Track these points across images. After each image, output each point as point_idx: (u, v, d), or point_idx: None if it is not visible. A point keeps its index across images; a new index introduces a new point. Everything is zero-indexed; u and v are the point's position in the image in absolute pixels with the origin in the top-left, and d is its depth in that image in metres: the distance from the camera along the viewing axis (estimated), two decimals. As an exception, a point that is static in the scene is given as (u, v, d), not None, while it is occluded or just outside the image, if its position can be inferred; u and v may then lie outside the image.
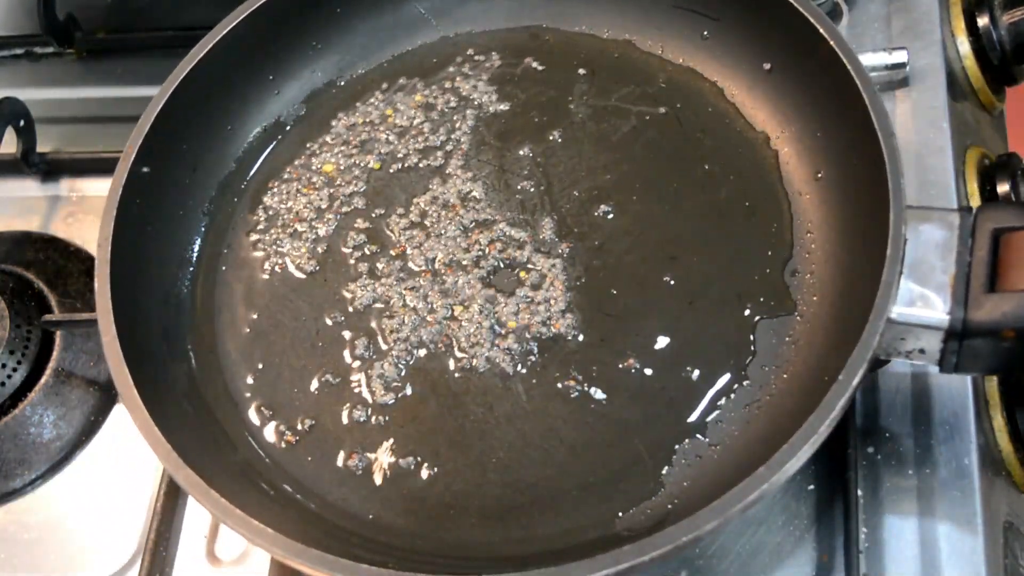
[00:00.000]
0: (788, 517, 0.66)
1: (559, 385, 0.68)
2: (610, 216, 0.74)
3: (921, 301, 0.57)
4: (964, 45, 0.83)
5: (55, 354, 0.80)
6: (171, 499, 0.73)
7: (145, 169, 0.73)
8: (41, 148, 0.93)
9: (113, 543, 0.75)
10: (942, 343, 0.58)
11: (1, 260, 0.86)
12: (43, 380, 0.79)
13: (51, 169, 0.93)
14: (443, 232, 0.75)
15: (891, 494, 0.65)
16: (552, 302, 0.71)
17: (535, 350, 0.69)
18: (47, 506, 0.78)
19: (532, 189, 0.76)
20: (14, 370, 0.79)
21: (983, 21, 0.82)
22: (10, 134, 0.90)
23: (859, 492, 0.64)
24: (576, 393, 0.67)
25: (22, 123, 0.91)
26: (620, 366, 0.67)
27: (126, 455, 0.78)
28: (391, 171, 0.80)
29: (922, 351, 0.59)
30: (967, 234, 0.58)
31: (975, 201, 0.76)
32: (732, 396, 0.65)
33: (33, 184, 0.93)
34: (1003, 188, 0.76)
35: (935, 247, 0.58)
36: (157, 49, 1.01)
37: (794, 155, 0.73)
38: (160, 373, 0.69)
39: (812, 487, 0.66)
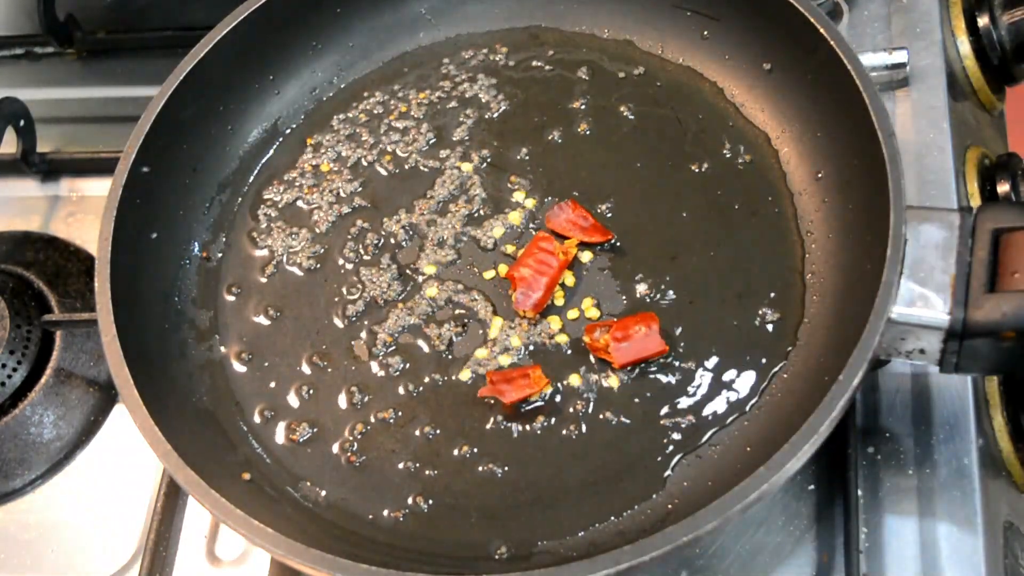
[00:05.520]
0: (788, 517, 0.66)
1: (560, 385, 0.68)
2: (610, 215, 0.74)
3: (921, 301, 0.57)
4: (964, 45, 0.83)
5: (55, 354, 0.80)
6: (171, 499, 0.73)
7: (145, 169, 0.73)
8: (41, 148, 0.93)
9: (113, 543, 0.75)
10: (942, 343, 0.58)
11: (1, 260, 0.86)
12: (43, 380, 0.79)
13: (51, 169, 0.93)
14: (443, 232, 0.75)
15: (891, 494, 0.65)
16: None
17: (538, 351, 0.69)
18: (47, 506, 0.78)
19: (532, 188, 0.76)
20: (14, 370, 0.79)
21: (983, 21, 0.82)
22: (10, 134, 0.90)
23: (859, 492, 0.64)
24: (578, 394, 0.67)
25: (22, 123, 0.91)
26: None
27: (126, 455, 0.78)
28: (391, 171, 0.80)
29: (922, 351, 0.59)
30: (967, 234, 0.58)
31: (975, 201, 0.76)
32: (732, 395, 0.65)
33: (33, 184, 0.93)
34: (1003, 188, 0.77)
35: (935, 247, 0.58)
36: (157, 49, 1.00)
37: (794, 155, 0.73)
38: (160, 373, 0.69)
39: (812, 487, 0.66)
